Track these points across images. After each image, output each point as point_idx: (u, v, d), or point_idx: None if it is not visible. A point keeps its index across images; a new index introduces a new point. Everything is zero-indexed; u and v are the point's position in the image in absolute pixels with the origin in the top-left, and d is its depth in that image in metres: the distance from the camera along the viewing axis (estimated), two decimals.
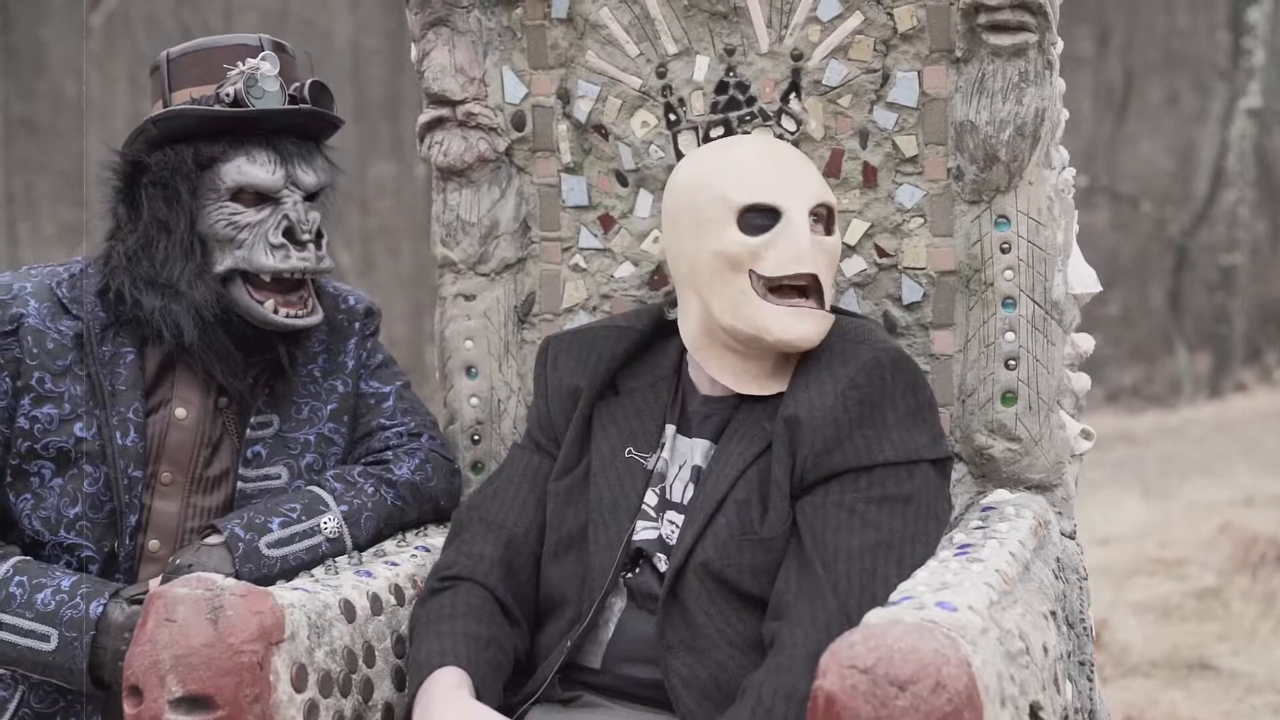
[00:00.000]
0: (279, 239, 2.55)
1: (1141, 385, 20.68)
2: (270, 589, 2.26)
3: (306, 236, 2.57)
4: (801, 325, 2.34)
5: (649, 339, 2.53)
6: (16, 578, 2.50)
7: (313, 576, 2.43)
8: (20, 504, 2.59)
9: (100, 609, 2.46)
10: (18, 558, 2.54)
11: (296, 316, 2.58)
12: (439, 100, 2.75)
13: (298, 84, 2.62)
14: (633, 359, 2.53)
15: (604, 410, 2.51)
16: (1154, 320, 22.78)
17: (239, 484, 2.62)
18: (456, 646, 2.32)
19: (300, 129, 2.63)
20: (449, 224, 2.78)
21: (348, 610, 2.34)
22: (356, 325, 2.75)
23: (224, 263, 2.57)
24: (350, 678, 2.32)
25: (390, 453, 2.68)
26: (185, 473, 2.62)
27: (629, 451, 2.46)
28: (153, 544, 2.60)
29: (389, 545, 2.60)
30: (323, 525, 2.54)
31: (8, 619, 2.49)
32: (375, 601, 2.41)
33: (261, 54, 2.60)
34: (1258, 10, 19.25)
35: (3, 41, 17.45)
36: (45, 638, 2.48)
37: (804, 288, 2.36)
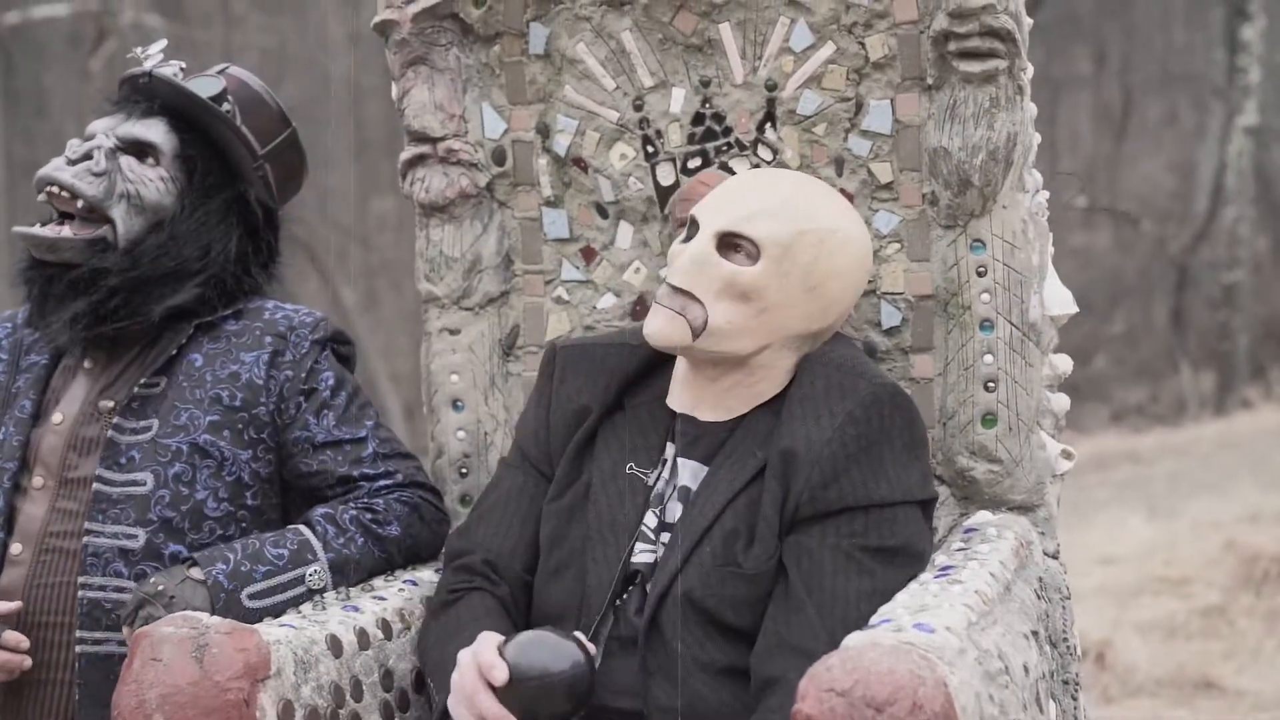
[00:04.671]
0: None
1: (1146, 404, 20.67)
2: (256, 626, 2.27)
3: (73, 154, 2.62)
4: (652, 321, 2.39)
5: (659, 357, 2.51)
6: None
7: (299, 612, 2.43)
8: None
9: None
10: None
11: (37, 233, 2.61)
12: (419, 137, 2.76)
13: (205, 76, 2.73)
14: (642, 377, 2.53)
15: (608, 426, 2.50)
16: (1157, 339, 22.78)
17: (102, 486, 2.56)
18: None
19: (172, 102, 2.70)
20: (432, 259, 2.79)
21: (334, 645, 2.34)
22: (270, 337, 2.66)
23: None
24: (338, 713, 2.32)
25: (381, 501, 2.61)
26: (55, 476, 2.61)
27: (630, 467, 2.45)
28: (15, 548, 2.58)
29: (377, 581, 2.59)
30: (308, 576, 2.50)
31: None
32: (362, 636, 2.40)
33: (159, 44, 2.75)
34: (1252, 28, 19.28)
35: (4, 86, 17.52)
36: None
37: (686, 296, 2.38)
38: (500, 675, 2.19)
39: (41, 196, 2.64)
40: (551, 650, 2.20)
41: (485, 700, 2.19)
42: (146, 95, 2.71)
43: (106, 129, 2.68)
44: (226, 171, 2.72)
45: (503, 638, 2.26)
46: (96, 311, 2.60)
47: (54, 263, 2.61)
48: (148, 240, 2.64)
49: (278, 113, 2.79)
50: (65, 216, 2.63)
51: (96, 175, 2.62)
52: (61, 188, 2.61)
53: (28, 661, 2.51)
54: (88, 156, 2.63)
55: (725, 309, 2.36)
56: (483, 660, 2.21)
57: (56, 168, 2.62)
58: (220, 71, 2.76)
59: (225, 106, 2.70)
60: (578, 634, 2.25)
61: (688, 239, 2.41)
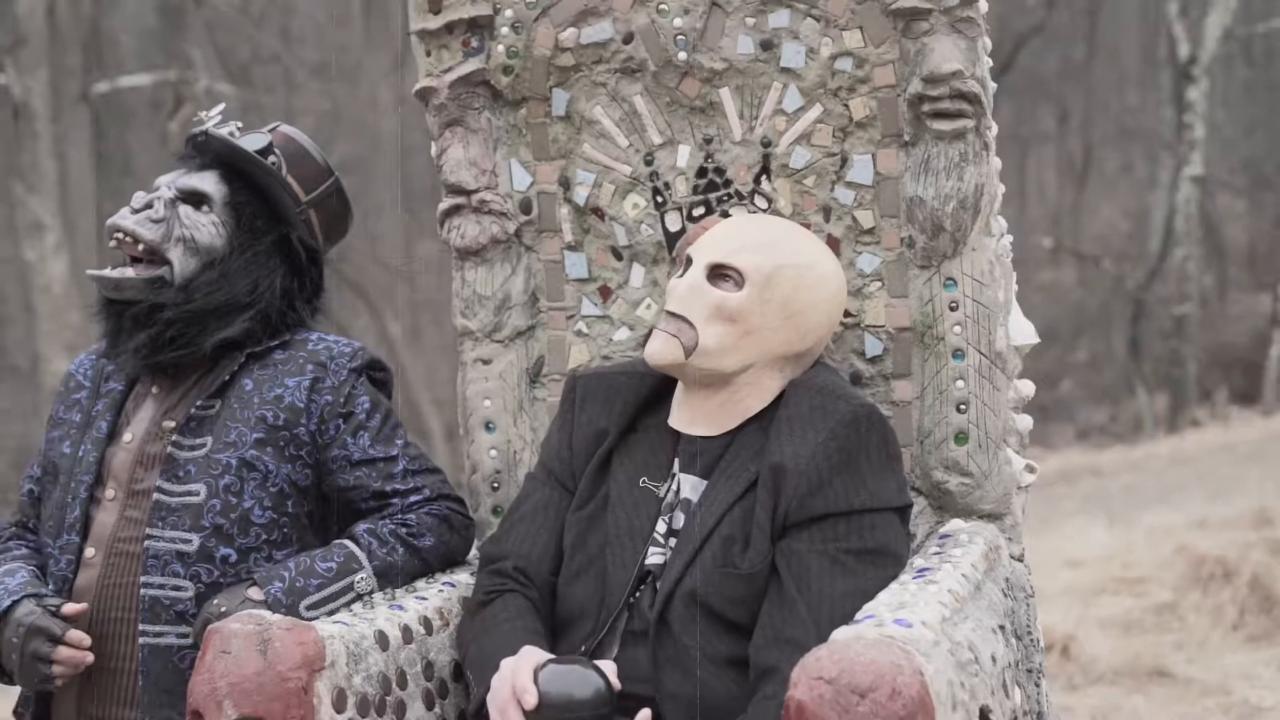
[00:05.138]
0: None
1: (1107, 424, 20.65)
2: (313, 622, 2.29)
3: (136, 204, 2.65)
4: (651, 343, 2.42)
5: (666, 384, 2.53)
6: (3, 579, 2.60)
7: (351, 611, 2.44)
8: (42, 514, 2.71)
9: (8, 603, 2.53)
10: (19, 564, 2.64)
11: (104, 274, 2.64)
12: (456, 190, 2.77)
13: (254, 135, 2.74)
14: (651, 402, 2.54)
15: (623, 446, 2.51)
16: (1117, 365, 22.77)
17: (161, 496, 2.57)
18: (518, 639, 2.33)
19: (222, 157, 2.73)
20: (467, 298, 2.80)
21: (382, 640, 2.36)
22: (310, 365, 2.65)
23: None
24: (385, 700, 2.34)
25: (414, 515, 2.62)
26: (124, 488, 2.62)
27: (643, 481, 2.46)
28: (89, 552, 2.60)
29: (419, 582, 2.60)
30: (356, 583, 2.52)
31: None
32: (406, 632, 2.42)
33: (219, 107, 2.78)
34: (1196, 89, 19.47)
35: (95, 148, 17.58)
36: None
37: (681, 320, 2.40)
38: (530, 701, 2.20)
39: (112, 243, 2.66)
40: (578, 680, 2.21)
41: (514, 718, 2.21)
42: (203, 151, 2.73)
43: (168, 181, 2.70)
44: (273, 216, 2.72)
45: (542, 659, 2.26)
46: (155, 342, 2.61)
47: (120, 300, 2.64)
48: (201, 278, 2.65)
49: (322, 165, 2.79)
50: (134, 260, 2.65)
51: (155, 222, 2.64)
52: (125, 233, 2.63)
53: (89, 658, 2.52)
54: (148, 205, 2.65)
55: (714, 330, 2.38)
56: (517, 683, 2.22)
57: (121, 216, 2.65)
58: (270, 129, 2.78)
59: (271, 159, 2.71)
60: (602, 665, 2.26)
61: (683, 275, 2.44)
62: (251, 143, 2.71)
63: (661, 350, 2.40)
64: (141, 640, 2.53)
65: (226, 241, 2.67)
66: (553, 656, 2.28)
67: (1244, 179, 24.41)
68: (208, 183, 2.70)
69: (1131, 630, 6.14)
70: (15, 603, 2.52)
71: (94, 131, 17.46)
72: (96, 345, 2.79)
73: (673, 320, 2.41)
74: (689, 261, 2.45)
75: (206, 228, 2.66)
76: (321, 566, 2.51)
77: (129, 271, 2.64)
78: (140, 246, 2.63)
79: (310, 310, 2.78)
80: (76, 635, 2.51)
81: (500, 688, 2.25)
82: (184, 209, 2.66)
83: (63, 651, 2.50)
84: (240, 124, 2.75)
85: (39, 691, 2.59)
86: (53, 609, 2.52)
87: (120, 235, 2.64)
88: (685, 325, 2.40)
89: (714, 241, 2.45)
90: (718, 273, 2.41)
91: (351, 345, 2.73)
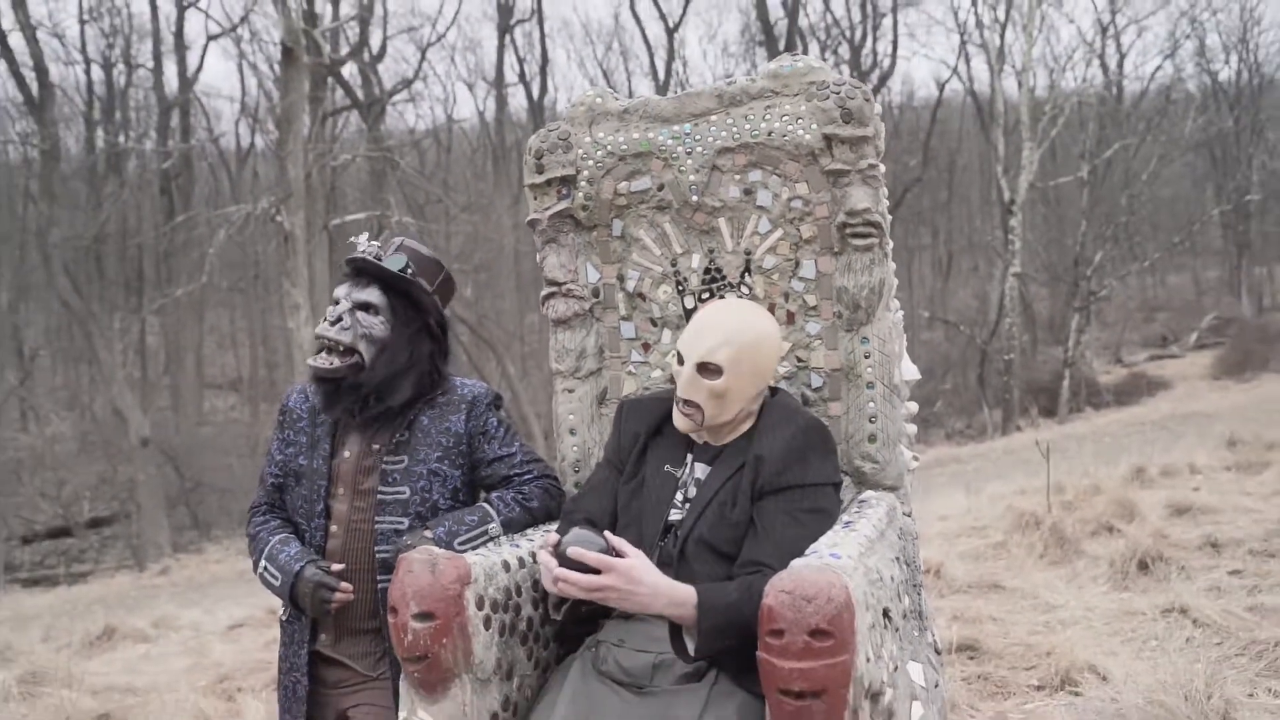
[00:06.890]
0: (323, 320, 2.61)
1: (964, 429, 20.50)
2: (464, 554, 2.29)
3: (331, 318, 2.59)
4: (678, 420, 2.38)
5: None
6: (281, 547, 2.57)
7: (487, 548, 2.43)
8: (287, 500, 2.66)
9: (299, 567, 2.51)
10: (284, 534, 2.60)
11: (318, 363, 2.58)
12: (552, 282, 2.77)
13: (394, 257, 2.64)
14: (671, 415, 2.50)
15: (653, 443, 2.48)
16: (970, 392, 22.66)
17: (381, 496, 2.56)
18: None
19: (378, 275, 2.63)
20: (558, 351, 2.79)
21: (506, 566, 2.35)
22: (464, 405, 2.65)
23: None
24: (508, 603, 2.33)
25: (527, 487, 2.61)
26: (350, 488, 2.59)
27: (666, 467, 2.43)
28: (333, 529, 2.58)
29: (529, 530, 2.59)
30: (490, 530, 2.51)
31: (271, 568, 2.55)
32: (520, 561, 2.41)
33: (364, 235, 2.69)
34: (1015, 219, 19.54)
35: (330, 259, 17.70)
36: (277, 578, 2.54)
37: (693, 405, 2.36)
38: (551, 541, 2.19)
39: (317, 343, 2.61)
40: (587, 539, 2.17)
41: (544, 556, 2.19)
42: (366, 272, 2.65)
43: (345, 295, 2.62)
44: (415, 306, 2.64)
45: None
46: (362, 403, 2.58)
47: (331, 379, 2.59)
48: (380, 359, 2.59)
49: (435, 260, 2.71)
50: (331, 350, 2.59)
51: (346, 329, 2.58)
52: (330, 339, 2.57)
53: (352, 597, 2.54)
54: (339, 319, 2.59)
55: (712, 405, 2.35)
56: (548, 539, 2.21)
57: (324, 329, 2.58)
58: (398, 245, 2.68)
59: (409, 270, 2.64)
60: (606, 534, 2.20)
61: (681, 363, 2.40)
62: (395, 264, 2.62)
63: (686, 425, 2.38)
64: (380, 585, 2.54)
65: (389, 330, 2.61)
66: None
67: (1045, 275, 24.37)
68: (373, 295, 2.61)
69: (978, 559, 6.07)
70: (302, 567, 2.51)
71: (330, 248, 17.64)
72: (300, 384, 2.74)
73: (688, 405, 2.37)
74: (680, 358, 2.39)
75: (378, 326, 2.60)
76: (468, 518, 2.51)
77: (336, 361, 2.57)
78: (341, 346, 2.59)
79: (446, 365, 2.70)
80: (346, 585, 2.52)
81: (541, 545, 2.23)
82: (360, 314, 2.60)
83: (337, 595, 2.51)
84: (379, 242, 2.66)
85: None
86: (325, 569, 2.52)
87: (326, 340, 2.59)
88: (696, 409, 2.36)
89: (694, 340, 2.38)
90: (704, 367, 2.36)
91: (483, 386, 2.70)
